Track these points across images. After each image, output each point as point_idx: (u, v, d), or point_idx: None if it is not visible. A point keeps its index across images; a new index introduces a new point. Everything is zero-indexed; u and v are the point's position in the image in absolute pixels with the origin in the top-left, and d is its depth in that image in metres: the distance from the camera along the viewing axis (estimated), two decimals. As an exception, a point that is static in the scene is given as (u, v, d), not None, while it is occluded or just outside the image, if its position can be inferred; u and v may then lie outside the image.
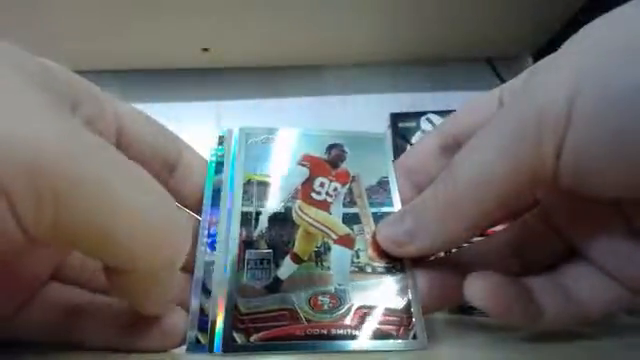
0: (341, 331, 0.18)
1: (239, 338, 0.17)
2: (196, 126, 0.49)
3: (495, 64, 0.67)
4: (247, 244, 0.20)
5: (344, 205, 0.22)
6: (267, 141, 0.23)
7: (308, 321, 0.18)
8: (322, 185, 0.22)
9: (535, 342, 0.19)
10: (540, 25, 0.60)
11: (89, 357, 0.17)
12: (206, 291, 0.19)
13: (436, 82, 0.69)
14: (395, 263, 0.20)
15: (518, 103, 0.17)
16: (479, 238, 0.23)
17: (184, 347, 0.18)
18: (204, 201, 0.21)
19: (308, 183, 0.22)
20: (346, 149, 0.23)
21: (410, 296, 0.19)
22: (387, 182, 0.23)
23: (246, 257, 0.19)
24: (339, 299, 0.19)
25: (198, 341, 0.17)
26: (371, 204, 0.22)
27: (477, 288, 0.17)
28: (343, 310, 0.18)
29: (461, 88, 0.68)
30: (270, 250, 0.20)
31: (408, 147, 0.62)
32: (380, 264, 0.20)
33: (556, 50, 0.17)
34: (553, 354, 0.18)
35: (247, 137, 0.23)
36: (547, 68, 0.17)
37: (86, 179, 0.12)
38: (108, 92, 0.19)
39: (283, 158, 0.23)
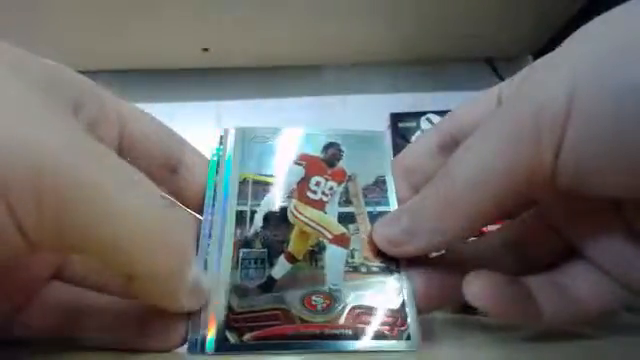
0: (335, 331, 0.18)
1: (232, 337, 0.17)
2: (196, 126, 0.49)
3: (495, 64, 0.67)
4: (242, 243, 0.19)
5: (339, 204, 0.21)
6: (263, 140, 0.23)
7: (302, 321, 0.18)
8: (318, 184, 0.22)
9: (535, 342, 0.19)
10: (540, 25, 0.60)
11: (89, 357, 0.17)
12: None
13: (436, 82, 0.69)
14: (390, 263, 0.20)
15: (516, 101, 0.17)
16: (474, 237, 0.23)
17: (185, 347, 0.17)
18: (205, 201, 0.21)
19: (304, 182, 0.22)
20: (343, 148, 0.23)
21: (405, 296, 0.19)
22: (384, 181, 0.22)
23: (240, 256, 0.19)
24: (333, 299, 0.18)
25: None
26: (367, 203, 0.22)
27: (476, 288, 0.17)
28: (337, 310, 0.18)
29: (461, 88, 0.67)
30: (265, 249, 0.19)
31: (408, 147, 0.62)
32: (375, 264, 0.20)
33: (556, 50, 0.17)
34: (553, 354, 0.18)
35: (244, 136, 0.23)
36: (545, 67, 0.17)
37: (85, 184, 0.12)
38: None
39: (279, 157, 0.22)
